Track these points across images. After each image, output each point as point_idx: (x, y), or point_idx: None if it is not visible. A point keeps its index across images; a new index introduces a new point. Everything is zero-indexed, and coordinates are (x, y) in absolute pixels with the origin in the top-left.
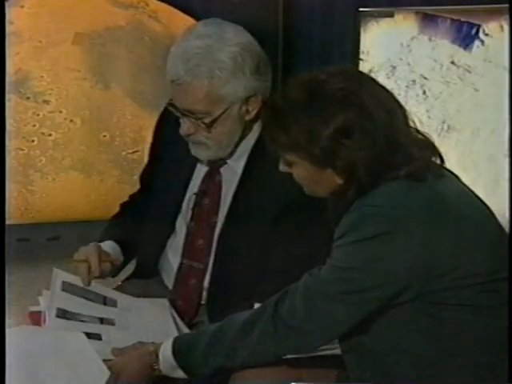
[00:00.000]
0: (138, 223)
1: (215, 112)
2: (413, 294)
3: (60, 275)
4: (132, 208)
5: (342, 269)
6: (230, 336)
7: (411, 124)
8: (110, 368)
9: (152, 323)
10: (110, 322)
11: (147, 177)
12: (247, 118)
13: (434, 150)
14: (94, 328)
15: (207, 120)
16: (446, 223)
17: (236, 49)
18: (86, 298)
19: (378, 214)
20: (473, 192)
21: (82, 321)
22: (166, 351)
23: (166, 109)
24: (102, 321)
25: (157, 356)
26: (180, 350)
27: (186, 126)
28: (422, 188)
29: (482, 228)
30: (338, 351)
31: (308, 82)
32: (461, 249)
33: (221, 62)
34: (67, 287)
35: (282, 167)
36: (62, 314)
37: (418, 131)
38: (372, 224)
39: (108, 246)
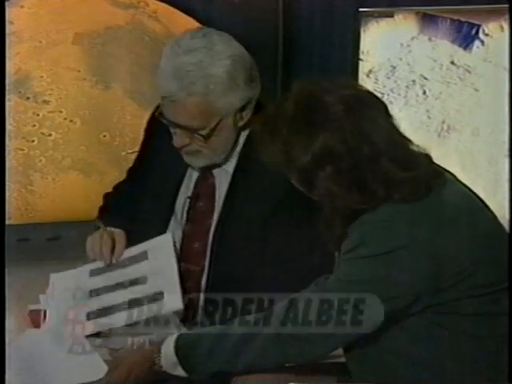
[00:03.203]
0: (127, 214)
1: (211, 124)
2: (420, 306)
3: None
4: (121, 199)
5: (350, 283)
6: (232, 340)
7: (407, 139)
8: (112, 358)
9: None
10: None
11: (136, 171)
12: (241, 123)
13: (430, 164)
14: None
15: (203, 132)
16: (455, 235)
17: (228, 62)
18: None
19: (388, 230)
20: (476, 194)
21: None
22: (168, 347)
23: (155, 110)
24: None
25: (159, 351)
26: (182, 347)
27: (179, 138)
28: (428, 200)
29: (489, 238)
30: (339, 359)
31: (303, 97)
32: (470, 260)
33: (215, 76)
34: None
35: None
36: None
37: (413, 144)
38: (381, 240)
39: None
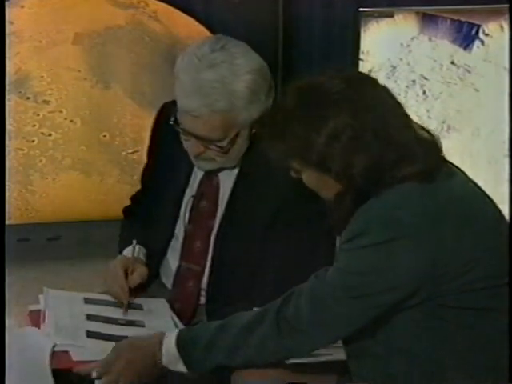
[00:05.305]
0: (145, 225)
1: (230, 136)
2: (420, 298)
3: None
4: (137, 210)
5: (350, 273)
6: (232, 334)
7: (414, 122)
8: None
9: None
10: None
11: (146, 178)
12: (253, 131)
13: (438, 147)
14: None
15: (222, 144)
16: (459, 227)
17: (249, 76)
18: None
19: (388, 219)
20: (481, 189)
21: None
22: (169, 343)
23: (161, 110)
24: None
25: (160, 348)
26: (183, 342)
27: (195, 146)
28: (433, 190)
29: (494, 230)
30: (338, 357)
31: (303, 88)
32: (473, 252)
33: (238, 92)
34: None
35: (292, 174)
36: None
37: (423, 128)
38: (381, 229)
39: (137, 251)
